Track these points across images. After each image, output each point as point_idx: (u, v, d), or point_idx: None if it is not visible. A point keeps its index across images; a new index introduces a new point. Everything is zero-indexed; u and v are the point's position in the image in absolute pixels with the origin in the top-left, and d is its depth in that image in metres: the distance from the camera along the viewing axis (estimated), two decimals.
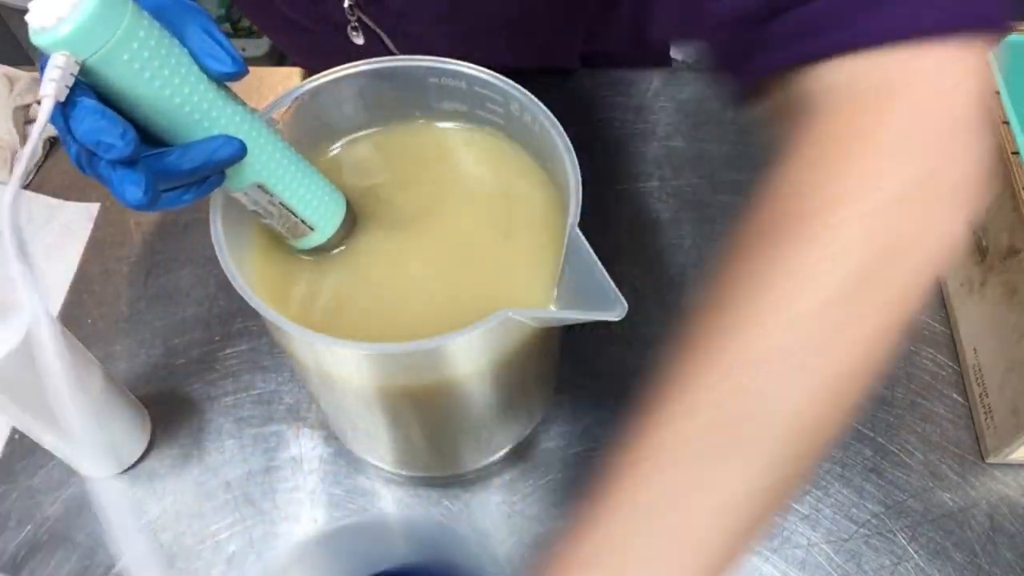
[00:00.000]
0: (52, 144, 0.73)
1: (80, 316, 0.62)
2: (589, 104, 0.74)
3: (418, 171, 0.49)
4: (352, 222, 0.45)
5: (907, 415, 0.57)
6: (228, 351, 0.60)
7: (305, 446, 0.56)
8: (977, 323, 0.57)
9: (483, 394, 0.45)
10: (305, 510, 0.54)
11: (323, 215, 0.43)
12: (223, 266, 0.39)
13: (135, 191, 0.34)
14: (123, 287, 0.64)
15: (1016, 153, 0.53)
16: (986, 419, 0.55)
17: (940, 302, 0.62)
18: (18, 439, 0.57)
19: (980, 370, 0.56)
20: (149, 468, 0.56)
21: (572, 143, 0.43)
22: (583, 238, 0.38)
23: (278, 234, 0.44)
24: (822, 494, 0.54)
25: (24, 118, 0.72)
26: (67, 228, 0.67)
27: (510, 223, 0.47)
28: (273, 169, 0.40)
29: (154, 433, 0.57)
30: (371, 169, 0.47)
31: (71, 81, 0.31)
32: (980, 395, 0.56)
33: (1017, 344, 0.51)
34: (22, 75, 0.73)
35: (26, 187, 0.70)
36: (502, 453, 0.54)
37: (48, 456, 0.56)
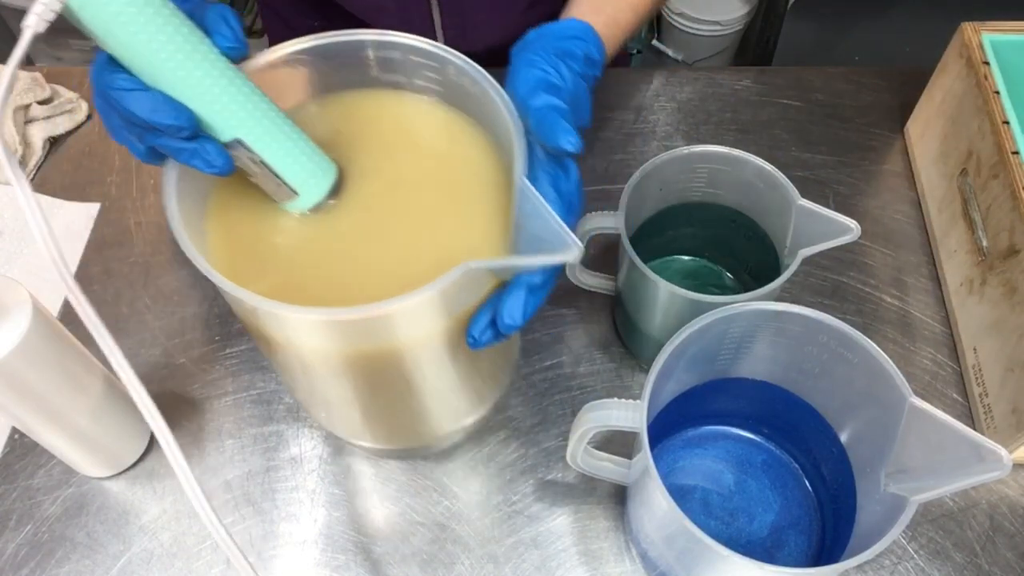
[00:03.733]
0: (52, 144, 0.73)
1: (80, 316, 0.62)
2: None
3: (363, 141, 0.49)
4: (339, 190, 0.46)
5: None
6: (228, 351, 0.60)
7: (305, 446, 0.56)
8: (977, 323, 0.57)
9: (449, 355, 0.45)
10: (305, 510, 0.54)
11: (306, 180, 0.44)
12: (176, 236, 0.39)
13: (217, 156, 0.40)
14: (123, 287, 0.64)
15: (1016, 153, 0.53)
16: (986, 419, 0.55)
17: (940, 302, 0.62)
18: (18, 439, 0.57)
19: (980, 370, 0.56)
20: (149, 468, 0.56)
21: None
22: (532, 187, 0.38)
23: (269, 194, 0.44)
24: None
25: (24, 118, 0.72)
26: (67, 228, 0.67)
27: (461, 184, 0.47)
28: (252, 127, 0.40)
29: (154, 433, 0.57)
30: (317, 140, 0.47)
31: (51, 16, 0.33)
32: (980, 395, 0.56)
33: (1017, 344, 0.51)
34: (22, 75, 0.73)
35: None
36: (475, 419, 0.55)
37: (48, 456, 0.56)
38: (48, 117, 0.73)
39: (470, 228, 0.46)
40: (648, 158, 0.53)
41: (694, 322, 0.44)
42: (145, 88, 0.37)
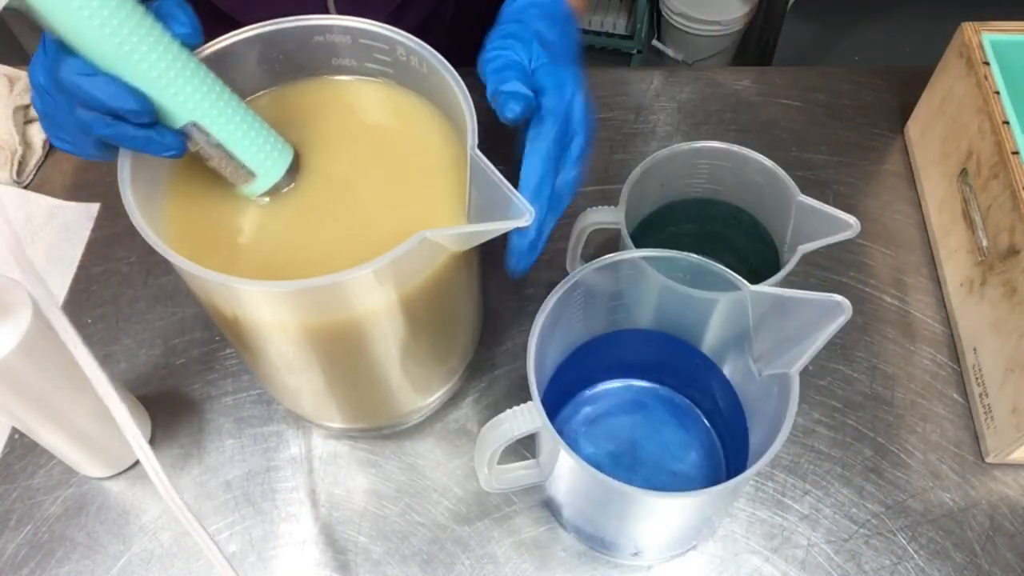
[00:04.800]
0: (52, 144, 0.72)
1: (80, 316, 0.62)
2: None
3: (317, 124, 0.50)
4: (296, 172, 0.46)
5: (907, 415, 0.57)
6: (228, 351, 0.60)
7: (305, 446, 0.56)
8: (977, 323, 0.57)
9: (413, 325, 0.46)
10: (305, 510, 0.54)
11: (263, 162, 0.44)
12: (134, 222, 0.39)
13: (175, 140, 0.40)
14: (123, 287, 0.64)
15: (1016, 153, 0.53)
16: (986, 419, 0.55)
17: (940, 302, 0.62)
18: (18, 439, 0.57)
19: (980, 370, 0.56)
20: None
21: None
22: (484, 158, 0.39)
23: (226, 179, 0.44)
24: (822, 494, 0.53)
25: (24, 118, 0.72)
26: (67, 228, 0.67)
27: (416, 160, 0.48)
28: (207, 109, 0.41)
29: (154, 433, 0.57)
30: (271, 125, 0.47)
31: (3, 3, 0.33)
32: (980, 395, 0.56)
33: (1017, 344, 0.51)
34: (22, 75, 0.73)
35: (26, 187, 0.70)
36: (440, 394, 0.56)
37: (48, 456, 0.56)
38: None
39: (426, 201, 0.46)
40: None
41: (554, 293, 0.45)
42: (105, 73, 0.37)
